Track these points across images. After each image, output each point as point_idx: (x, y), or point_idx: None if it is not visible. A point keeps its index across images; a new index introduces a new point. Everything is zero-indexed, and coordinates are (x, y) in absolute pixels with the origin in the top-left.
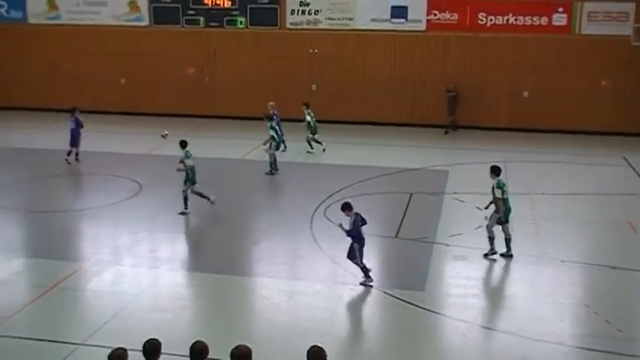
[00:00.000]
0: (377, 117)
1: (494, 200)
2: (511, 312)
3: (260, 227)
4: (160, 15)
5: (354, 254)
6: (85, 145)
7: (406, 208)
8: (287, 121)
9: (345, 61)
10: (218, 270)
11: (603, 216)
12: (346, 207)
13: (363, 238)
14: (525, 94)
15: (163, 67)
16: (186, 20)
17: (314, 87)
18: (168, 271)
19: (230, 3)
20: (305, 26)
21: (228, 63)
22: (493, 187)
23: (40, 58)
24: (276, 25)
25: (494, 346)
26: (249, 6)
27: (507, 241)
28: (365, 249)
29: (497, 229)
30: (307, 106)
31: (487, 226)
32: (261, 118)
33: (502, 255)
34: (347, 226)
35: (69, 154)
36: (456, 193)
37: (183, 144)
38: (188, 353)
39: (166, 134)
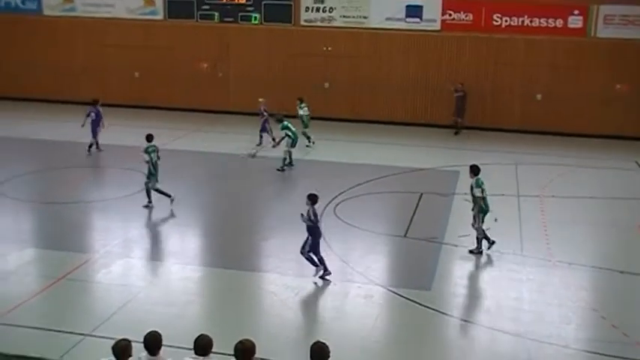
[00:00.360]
0: (390, 116)
1: (475, 199)
2: (518, 314)
3: (269, 223)
4: (174, 9)
5: (306, 246)
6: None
7: (416, 208)
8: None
9: (359, 59)
10: (226, 265)
11: (613, 220)
12: (310, 198)
13: (319, 230)
14: (539, 96)
15: (177, 62)
16: (200, 15)
17: (327, 85)
18: (176, 265)
19: None
20: (319, 24)
21: (242, 59)
22: (472, 187)
23: (54, 50)
24: (291, 22)
25: (499, 348)
26: (263, 2)
27: (479, 239)
28: (373, 247)
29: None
30: (301, 100)
31: (476, 229)
32: (271, 115)
33: (471, 252)
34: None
35: (90, 146)
36: (466, 194)
37: (149, 137)
38: (192, 347)
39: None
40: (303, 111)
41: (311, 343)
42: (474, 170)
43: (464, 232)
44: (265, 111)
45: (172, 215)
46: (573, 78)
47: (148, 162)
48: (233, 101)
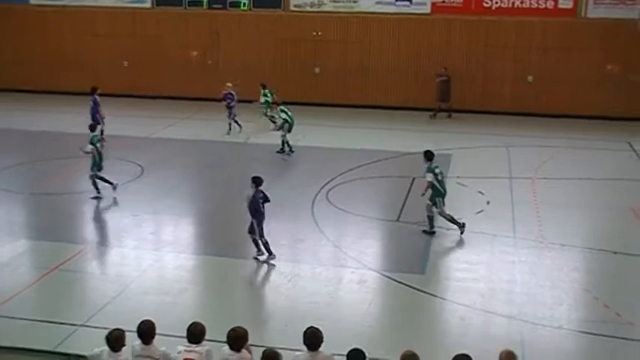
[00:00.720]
0: (381, 101)
1: (428, 184)
2: (511, 296)
3: None
4: None
5: (253, 229)
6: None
7: (408, 192)
8: (290, 104)
9: (349, 44)
10: (219, 252)
11: (606, 201)
12: (254, 180)
13: (262, 214)
14: (530, 78)
15: (166, 50)
16: (188, 2)
17: (317, 70)
18: (169, 254)
19: None
20: (309, 9)
21: (231, 45)
22: (427, 172)
23: (42, 40)
24: (280, 7)
25: (493, 330)
26: None
27: (430, 218)
28: (366, 232)
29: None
30: (264, 86)
31: (439, 214)
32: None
33: (425, 232)
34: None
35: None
36: (458, 177)
37: (92, 127)
38: (185, 335)
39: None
40: (266, 97)
41: (304, 329)
42: (428, 156)
43: (456, 216)
44: (232, 95)
45: (164, 204)
46: (564, 59)
47: (91, 152)
48: (223, 88)
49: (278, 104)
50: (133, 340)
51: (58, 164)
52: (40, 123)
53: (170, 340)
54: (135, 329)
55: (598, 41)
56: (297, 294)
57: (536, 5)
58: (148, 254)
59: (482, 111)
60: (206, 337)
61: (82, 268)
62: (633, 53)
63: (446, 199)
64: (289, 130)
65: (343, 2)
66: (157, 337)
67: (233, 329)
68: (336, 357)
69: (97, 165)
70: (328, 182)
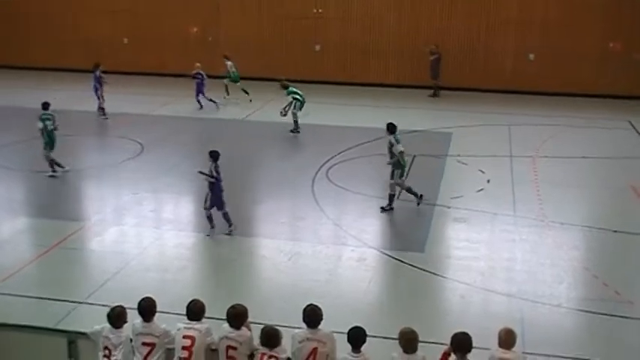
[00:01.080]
0: (382, 79)
1: (395, 155)
2: (510, 274)
3: (261, 188)
4: None
5: (209, 205)
6: (87, 106)
7: (409, 170)
8: (292, 81)
9: (350, 21)
10: (218, 230)
11: (606, 180)
12: (211, 154)
13: (220, 187)
14: (531, 56)
15: (166, 26)
16: None
17: (318, 47)
18: (169, 232)
19: None
20: None
21: (232, 22)
22: (391, 144)
23: (41, 17)
24: None
25: (493, 308)
26: None
27: (391, 196)
28: (366, 210)
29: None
30: (227, 58)
31: (397, 185)
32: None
33: (383, 209)
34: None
35: (101, 109)
36: (459, 155)
37: (44, 105)
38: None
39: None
40: (230, 67)
41: (304, 306)
42: (390, 128)
43: (456, 194)
44: (200, 75)
45: (164, 182)
46: (566, 36)
47: (41, 130)
48: (223, 65)
49: (285, 86)
50: (133, 318)
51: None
52: (40, 100)
53: (170, 318)
54: (135, 306)
55: (601, 18)
56: (297, 272)
57: None
58: (148, 232)
59: (483, 89)
60: (206, 314)
61: (83, 246)
62: (636, 31)
63: (447, 179)
64: (300, 109)
65: None
66: (157, 314)
67: (233, 307)
68: (335, 334)
69: (49, 144)
70: (328, 160)
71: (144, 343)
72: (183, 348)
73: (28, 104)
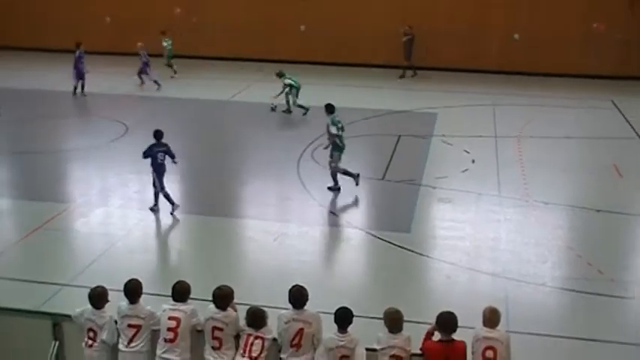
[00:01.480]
0: (367, 59)
1: (330, 137)
2: (495, 254)
3: (246, 169)
4: None
5: (155, 183)
6: (69, 86)
7: (394, 151)
8: (278, 62)
9: (336, 1)
10: (205, 212)
11: (590, 159)
12: (155, 135)
13: (163, 167)
14: (516, 36)
15: (149, 6)
16: None
17: (303, 28)
18: (154, 213)
19: None
20: None
21: (217, 2)
22: (328, 125)
23: None
24: None
25: (477, 287)
26: None
27: (334, 176)
28: (352, 191)
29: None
30: (164, 34)
31: (334, 168)
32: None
33: (329, 188)
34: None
35: (75, 89)
36: (444, 135)
37: None
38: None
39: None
40: (166, 43)
41: (290, 287)
42: (329, 109)
43: (442, 174)
44: (145, 55)
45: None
46: (550, 17)
47: None
48: (208, 46)
49: (281, 75)
50: (119, 300)
51: (40, 123)
52: (22, 81)
53: (155, 299)
54: (121, 288)
55: None
56: (284, 253)
57: None
58: (133, 213)
59: (469, 69)
60: (191, 295)
61: (67, 227)
62: (619, 12)
63: (432, 159)
64: (297, 95)
65: None
66: (143, 295)
67: (219, 287)
68: (322, 315)
69: None
70: (313, 141)
71: (130, 325)
72: (169, 329)
73: (6, 85)
